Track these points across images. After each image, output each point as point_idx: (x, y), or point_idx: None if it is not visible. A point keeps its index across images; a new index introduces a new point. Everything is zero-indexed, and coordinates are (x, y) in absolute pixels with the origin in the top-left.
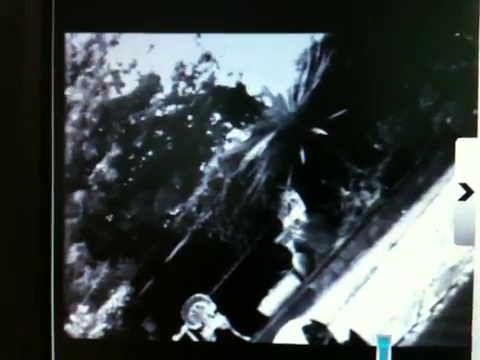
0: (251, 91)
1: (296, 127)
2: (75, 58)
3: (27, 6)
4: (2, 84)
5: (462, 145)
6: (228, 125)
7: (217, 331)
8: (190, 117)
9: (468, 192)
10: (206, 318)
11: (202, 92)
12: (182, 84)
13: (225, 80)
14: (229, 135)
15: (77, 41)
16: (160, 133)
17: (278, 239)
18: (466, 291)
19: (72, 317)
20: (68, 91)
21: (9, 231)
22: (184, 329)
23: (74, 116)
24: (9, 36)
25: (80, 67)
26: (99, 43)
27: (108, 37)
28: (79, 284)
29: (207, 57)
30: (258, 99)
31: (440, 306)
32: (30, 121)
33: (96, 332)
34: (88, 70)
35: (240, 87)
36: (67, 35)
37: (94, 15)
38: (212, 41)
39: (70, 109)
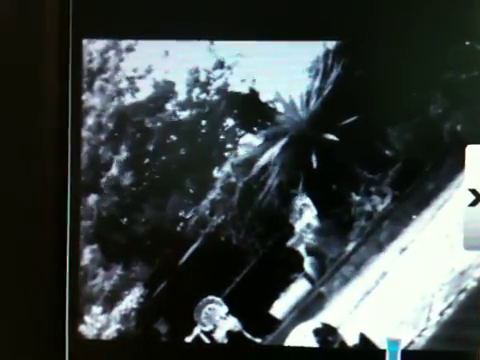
0: (264, 97)
1: (308, 133)
2: (92, 64)
3: (45, 13)
4: (21, 89)
5: (472, 152)
6: (241, 130)
7: (229, 333)
8: (204, 122)
9: (477, 198)
10: (218, 320)
11: (216, 98)
12: (196, 90)
13: (238, 86)
14: (242, 140)
15: (94, 48)
16: (174, 138)
17: (290, 243)
18: (475, 296)
19: (86, 318)
20: (85, 96)
21: (26, 233)
22: (196, 331)
23: (90, 121)
24: (28, 43)
25: (96, 73)
26: (115, 50)
27: (124, 44)
28: (93, 286)
29: (221, 64)
30: (271, 105)
31: (449, 310)
32: (48, 125)
33: (110, 333)
34: (104, 76)
35: (253, 93)
36: (84, 41)
37: (111, 22)
38: (226, 48)
39: (86, 114)
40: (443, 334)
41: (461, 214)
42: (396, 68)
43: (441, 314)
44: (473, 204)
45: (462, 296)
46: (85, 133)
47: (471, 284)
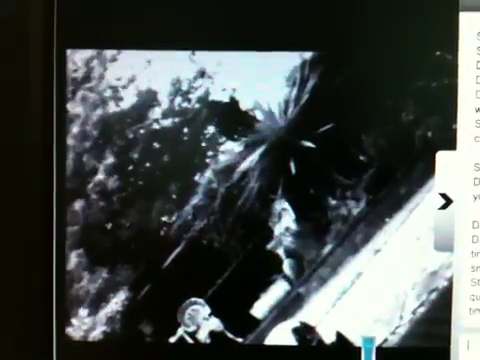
0: (244, 106)
1: (286, 140)
2: (76, 74)
3: (30, 25)
4: (6, 99)
5: (442, 157)
6: (222, 138)
7: (211, 333)
8: (186, 130)
9: (447, 201)
10: (201, 321)
11: (197, 106)
12: (178, 99)
13: (219, 95)
14: (223, 147)
15: (78, 57)
16: (157, 145)
17: (269, 246)
18: (445, 295)
19: (73, 320)
20: (69, 105)
21: (13, 239)
22: (180, 331)
23: (75, 129)
24: (13, 52)
25: (80, 82)
26: (99, 59)
27: (108, 54)
28: (79, 289)
29: (202, 73)
30: (250, 113)
31: (421, 309)
32: (33, 134)
33: (96, 334)
34: (88, 85)
35: (233, 102)
36: (68, 51)
37: (94, 33)
38: (207, 58)
39: (71, 122)
40: (415, 331)
41: (432, 217)
42: (369, 77)
43: (414, 312)
44: (443, 207)
45: (433, 295)
46: (70, 141)
47: (442, 283)
